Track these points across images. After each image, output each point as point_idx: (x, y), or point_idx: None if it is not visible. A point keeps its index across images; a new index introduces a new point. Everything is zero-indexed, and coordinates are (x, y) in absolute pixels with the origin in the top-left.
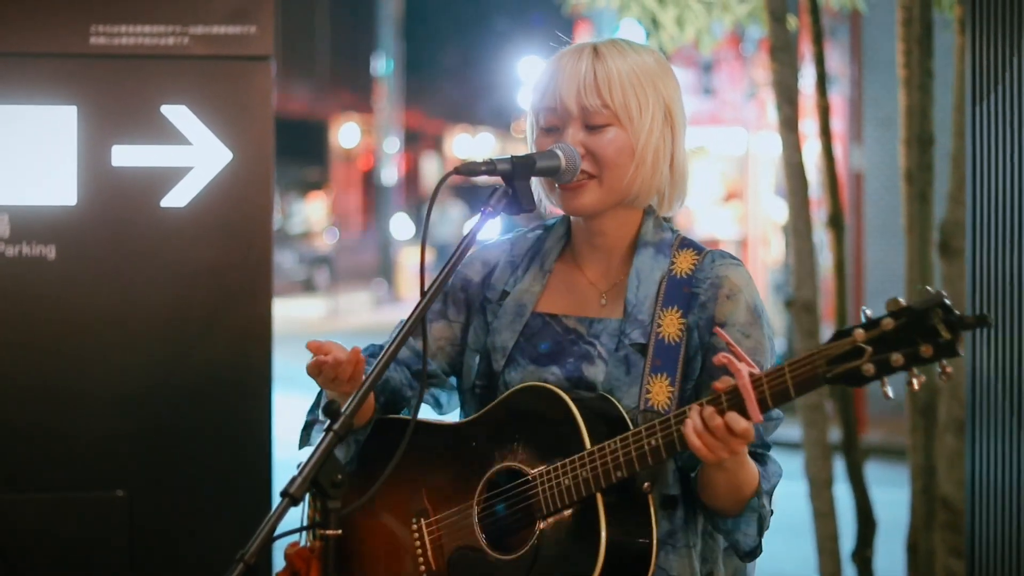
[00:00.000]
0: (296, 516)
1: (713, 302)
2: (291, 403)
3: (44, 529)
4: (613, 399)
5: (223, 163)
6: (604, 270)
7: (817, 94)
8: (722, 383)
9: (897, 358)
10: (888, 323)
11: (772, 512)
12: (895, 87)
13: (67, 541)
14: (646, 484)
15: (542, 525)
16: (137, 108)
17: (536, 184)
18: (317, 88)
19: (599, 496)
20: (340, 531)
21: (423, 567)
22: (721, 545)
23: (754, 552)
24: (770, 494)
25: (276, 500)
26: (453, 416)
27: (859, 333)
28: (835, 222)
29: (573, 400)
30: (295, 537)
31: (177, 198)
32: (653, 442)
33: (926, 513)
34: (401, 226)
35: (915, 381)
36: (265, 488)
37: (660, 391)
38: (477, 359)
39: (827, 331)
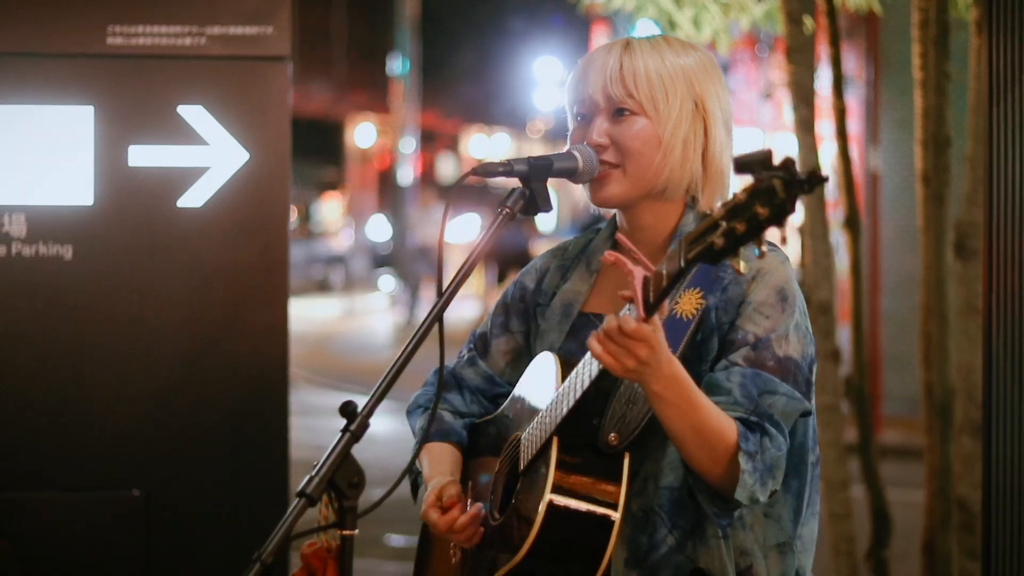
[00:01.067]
0: (313, 516)
1: (737, 284)
2: (307, 403)
3: (60, 528)
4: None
5: (240, 163)
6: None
7: (833, 96)
8: (626, 291)
9: (740, 225)
10: (740, 195)
11: (759, 485)
12: (911, 89)
13: (83, 540)
14: (612, 435)
15: (520, 482)
16: (154, 108)
17: (585, 190)
18: (333, 88)
19: (555, 441)
20: (356, 531)
21: (453, 553)
22: (762, 539)
23: (727, 509)
24: (756, 461)
25: (292, 500)
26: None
27: (718, 210)
28: (851, 223)
29: (560, 361)
30: (312, 537)
31: (194, 198)
32: (594, 367)
33: (942, 515)
34: (378, 227)
35: (762, 248)
36: (282, 488)
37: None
38: (537, 349)
39: (843, 332)
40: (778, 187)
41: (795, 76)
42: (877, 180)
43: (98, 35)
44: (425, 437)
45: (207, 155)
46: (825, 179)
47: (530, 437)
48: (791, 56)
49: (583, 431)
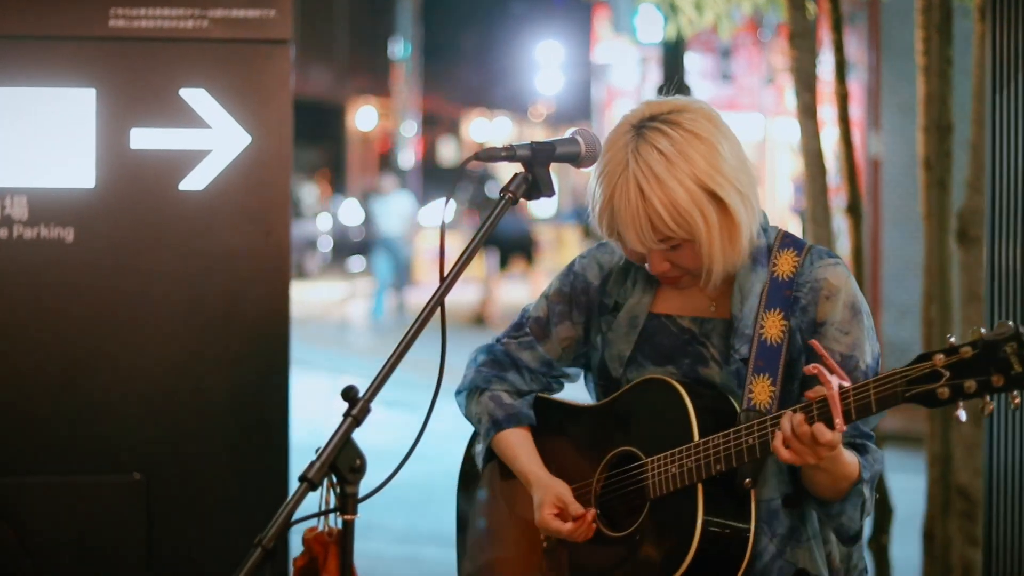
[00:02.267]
0: (314, 501)
1: (814, 305)
2: (309, 386)
3: (62, 512)
4: (730, 398)
5: (242, 146)
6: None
7: (836, 81)
8: (814, 392)
9: (970, 384)
10: (967, 351)
11: (876, 497)
12: (914, 74)
13: (84, 524)
14: (747, 480)
15: (649, 508)
16: (156, 91)
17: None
18: (335, 71)
19: (700, 486)
20: (358, 515)
21: (544, 539)
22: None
23: (857, 536)
24: (872, 482)
25: (294, 484)
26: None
27: (939, 358)
28: (853, 209)
29: (688, 394)
30: (313, 522)
31: (195, 181)
32: (750, 440)
33: (943, 501)
34: (350, 212)
35: (986, 408)
36: (283, 472)
37: (762, 391)
38: (598, 358)
39: None
40: (1015, 361)
41: (797, 61)
42: (879, 166)
43: (100, 18)
44: (497, 424)
45: (209, 138)
46: None
47: (664, 470)
48: (793, 41)
49: (722, 475)
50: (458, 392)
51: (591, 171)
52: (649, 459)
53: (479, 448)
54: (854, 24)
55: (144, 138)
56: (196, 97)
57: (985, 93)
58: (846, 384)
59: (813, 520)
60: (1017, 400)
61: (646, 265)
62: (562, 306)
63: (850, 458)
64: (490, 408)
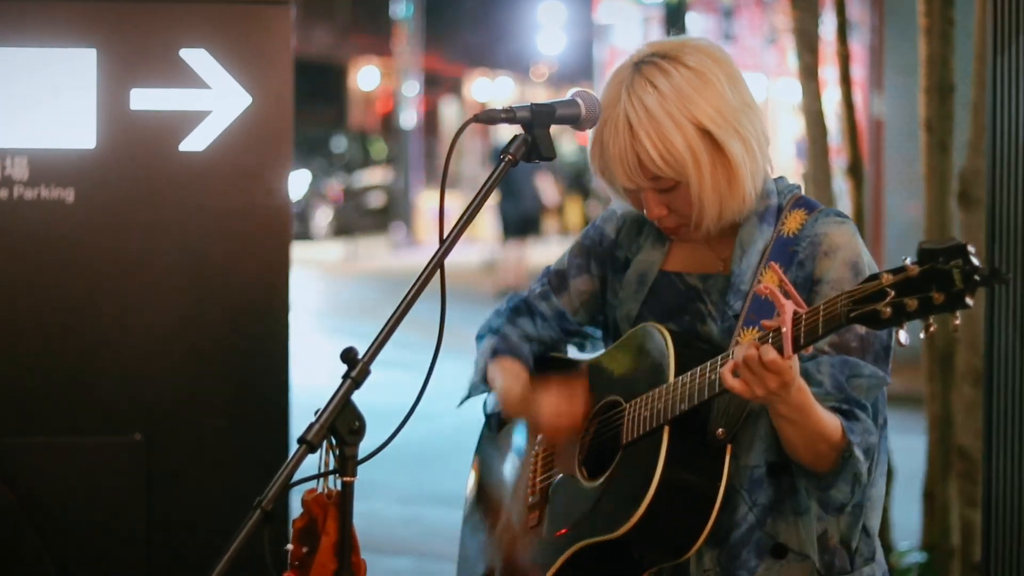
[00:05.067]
0: (313, 462)
1: (811, 260)
2: (308, 348)
3: (61, 472)
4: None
5: (242, 107)
6: (720, 237)
7: (838, 42)
8: (771, 321)
9: (911, 303)
10: (913, 268)
11: (872, 471)
12: (916, 34)
13: (84, 484)
14: (720, 430)
15: (621, 455)
16: (156, 51)
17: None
18: (336, 31)
19: (666, 430)
20: (356, 477)
21: (530, 490)
22: None
23: (843, 507)
24: (866, 452)
25: (293, 446)
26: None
27: (886, 276)
28: (854, 170)
29: (674, 341)
30: (313, 483)
31: (196, 142)
32: (712, 376)
33: (943, 463)
34: (297, 181)
35: (929, 328)
36: (282, 433)
37: (748, 341)
38: (613, 318)
39: None
40: (957, 276)
41: (799, 23)
42: (881, 127)
43: None
44: (494, 352)
45: (209, 99)
46: (1007, 279)
47: (637, 414)
48: (796, 2)
49: (693, 422)
50: (478, 337)
51: None
52: (628, 404)
53: (475, 379)
54: None
55: (144, 99)
56: (197, 57)
57: (986, 54)
58: (800, 310)
59: (801, 494)
60: (957, 322)
61: (644, 211)
62: (580, 259)
63: (827, 417)
64: (494, 343)
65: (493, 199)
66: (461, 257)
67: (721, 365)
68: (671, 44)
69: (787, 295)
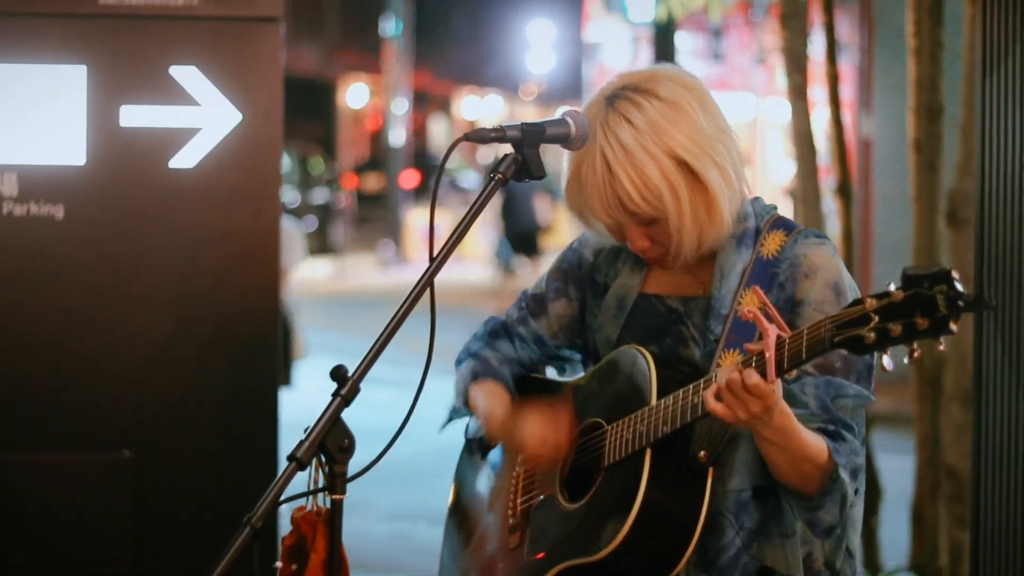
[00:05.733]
0: (303, 480)
1: (792, 282)
2: (298, 365)
3: (49, 489)
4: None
5: (232, 124)
6: (699, 261)
7: (827, 62)
8: (755, 345)
9: (895, 328)
10: (897, 294)
11: (857, 491)
12: (905, 55)
13: (72, 501)
14: (702, 453)
15: (602, 477)
16: (146, 68)
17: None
18: (326, 48)
19: (648, 452)
20: (345, 495)
21: (510, 511)
22: None
23: (831, 530)
24: (853, 473)
25: (283, 463)
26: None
27: (870, 301)
28: (843, 190)
29: (656, 364)
30: (302, 501)
31: (186, 159)
32: (695, 399)
33: (931, 483)
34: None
35: (914, 353)
36: (271, 451)
37: (729, 364)
38: (592, 342)
39: None
40: (941, 302)
41: (788, 42)
42: (870, 147)
43: None
44: (475, 376)
45: (199, 116)
46: (992, 306)
47: (619, 436)
48: (785, 22)
49: (675, 445)
50: (457, 362)
51: None
52: (609, 426)
53: (456, 403)
54: (846, 4)
55: (134, 115)
56: (186, 75)
57: (975, 75)
58: (784, 334)
59: (788, 517)
60: (941, 347)
61: (627, 243)
62: (559, 283)
63: (812, 439)
64: (473, 366)
65: (492, 220)
66: (458, 275)
67: (704, 388)
68: (642, 76)
69: (770, 319)
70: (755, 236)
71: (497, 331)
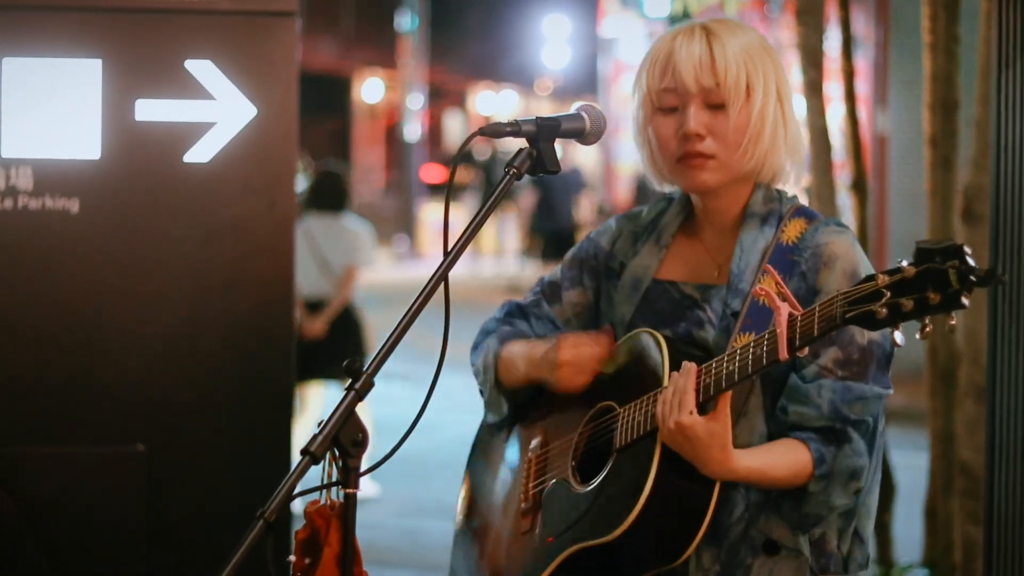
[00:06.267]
0: (316, 474)
1: (814, 272)
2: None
3: (63, 483)
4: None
5: (247, 119)
6: (719, 242)
7: (842, 58)
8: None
9: (907, 303)
10: (909, 270)
11: (860, 489)
12: (920, 50)
13: (85, 495)
14: None
15: (614, 458)
16: (162, 62)
17: (649, 162)
18: (341, 43)
19: (659, 436)
20: (359, 490)
21: (523, 496)
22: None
23: (817, 522)
24: (851, 474)
25: (296, 457)
26: None
27: (882, 278)
28: (858, 186)
29: (668, 345)
30: (315, 495)
31: (201, 153)
32: (707, 380)
33: (945, 479)
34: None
35: (926, 328)
36: (285, 444)
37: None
38: (605, 322)
39: None
40: (953, 277)
41: (804, 38)
42: (885, 142)
43: None
44: (501, 341)
45: (214, 110)
46: (1003, 281)
47: (631, 418)
48: (800, 17)
49: None
50: (474, 347)
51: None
52: (622, 408)
53: (479, 364)
54: (861, 0)
55: (149, 110)
56: (202, 69)
57: (991, 71)
58: (796, 312)
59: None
60: (952, 322)
61: (681, 128)
62: (574, 271)
63: (786, 463)
64: (497, 335)
65: (525, 216)
66: (478, 270)
67: (715, 370)
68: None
69: (783, 298)
70: (778, 220)
71: (512, 312)
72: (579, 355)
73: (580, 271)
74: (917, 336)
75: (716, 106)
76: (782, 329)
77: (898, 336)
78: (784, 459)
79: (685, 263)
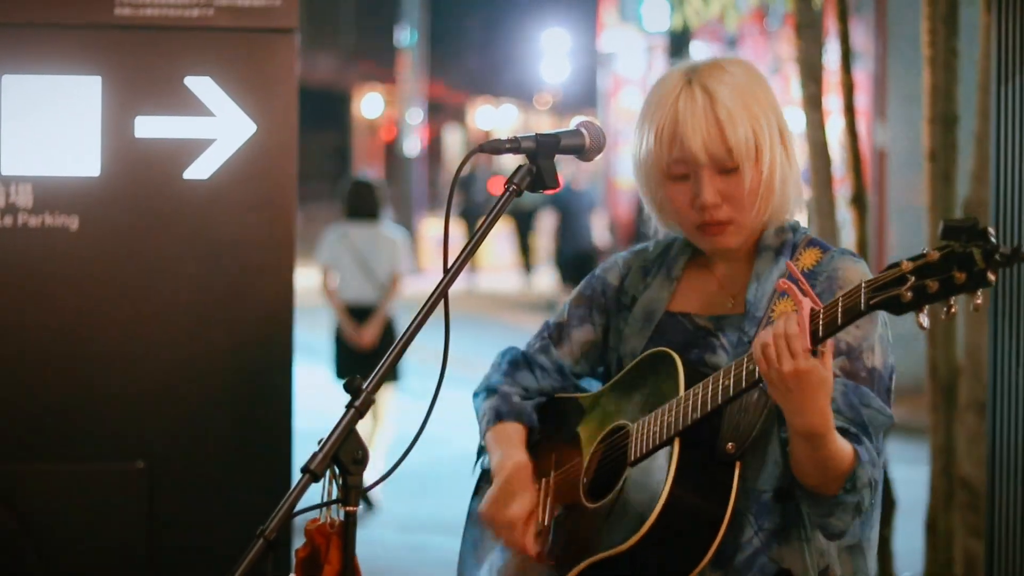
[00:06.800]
0: (317, 491)
1: (828, 294)
2: (312, 375)
3: (64, 499)
4: None
5: (247, 135)
6: (732, 273)
7: (842, 71)
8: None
9: (932, 284)
10: (933, 254)
11: (872, 504)
12: (920, 64)
13: (86, 511)
14: (729, 445)
15: (628, 472)
16: (161, 79)
17: (657, 214)
18: (341, 58)
19: (676, 442)
20: (360, 507)
21: (541, 522)
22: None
23: (842, 534)
24: (869, 483)
25: (296, 474)
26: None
27: (905, 263)
28: (858, 200)
29: (683, 364)
30: (315, 513)
31: (200, 170)
32: (726, 381)
33: (945, 493)
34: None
35: (951, 309)
36: (285, 462)
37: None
38: (615, 359)
39: None
40: (978, 256)
41: (803, 52)
42: (884, 156)
43: (106, 6)
44: (498, 416)
45: (214, 127)
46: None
47: (646, 430)
48: (800, 31)
49: (703, 437)
50: (475, 395)
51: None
52: (635, 424)
53: (483, 442)
54: (860, 14)
55: (149, 126)
56: (201, 86)
57: (990, 85)
58: (817, 307)
59: (807, 522)
60: (979, 301)
61: (697, 199)
62: (582, 310)
63: (842, 443)
64: (496, 403)
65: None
66: (489, 284)
67: (735, 372)
68: (708, 60)
69: (804, 293)
70: (792, 249)
71: (517, 362)
72: (504, 516)
73: (589, 308)
74: (943, 316)
75: (728, 171)
76: (805, 323)
77: (923, 319)
78: (840, 438)
79: (698, 295)
